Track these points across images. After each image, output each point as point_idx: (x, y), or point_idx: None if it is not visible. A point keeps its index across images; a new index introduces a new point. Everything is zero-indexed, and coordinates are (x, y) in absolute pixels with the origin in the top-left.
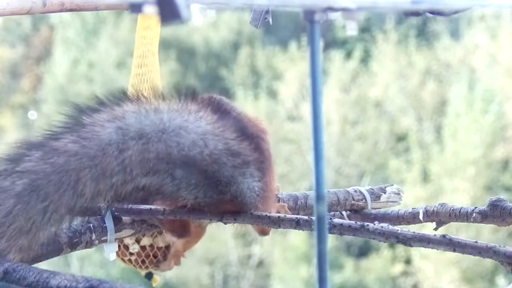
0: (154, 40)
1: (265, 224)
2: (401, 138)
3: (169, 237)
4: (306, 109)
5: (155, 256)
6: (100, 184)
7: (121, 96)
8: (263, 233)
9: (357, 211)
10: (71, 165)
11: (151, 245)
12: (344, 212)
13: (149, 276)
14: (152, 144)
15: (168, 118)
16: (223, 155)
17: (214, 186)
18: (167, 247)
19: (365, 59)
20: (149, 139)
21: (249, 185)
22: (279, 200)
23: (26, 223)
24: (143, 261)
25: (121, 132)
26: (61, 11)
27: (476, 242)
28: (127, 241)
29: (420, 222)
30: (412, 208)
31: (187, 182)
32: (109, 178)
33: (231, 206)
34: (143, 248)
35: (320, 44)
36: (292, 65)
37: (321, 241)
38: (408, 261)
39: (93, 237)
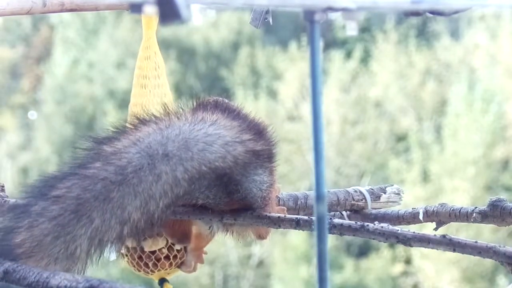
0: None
1: (265, 224)
2: (401, 138)
3: (160, 242)
4: (306, 109)
5: (158, 260)
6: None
7: (135, 122)
8: (260, 237)
9: (357, 211)
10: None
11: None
12: (344, 212)
13: (161, 282)
14: (177, 165)
15: (188, 134)
16: (242, 157)
17: (226, 186)
18: (170, 249)
19: (365, 59)
20: (173, 156)
21: (259, 185)
22: (279, 201)
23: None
24: (146, 265)
25: (146, 155)
26: (61, 11)
27: (476, 242)
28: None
29: (420, 222)
30: (412, 208)
31: (202, 184)
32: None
33: (238, 206)
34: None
35: (320, 44)
36: (292, 65)
37: (321, 241)
38: (408, 261)
39: None
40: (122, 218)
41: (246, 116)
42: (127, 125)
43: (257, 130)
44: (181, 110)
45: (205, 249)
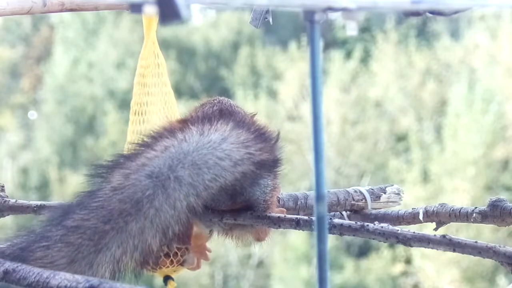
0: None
1: (265, 224)
2: (401, 138)
3: None
4: (306, 109)
5: (158, 257)
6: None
7: (144, 142)
8: (259, 239)
9: (357, 211)
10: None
11: None
12: (344, 212)
13: (165, 280)
14: (190, 191)
15: (197, 156)
16: (251, 170)
17: (230, 191)
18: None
19: (365, 59)
20: (185, 183)
21: (263, 188)
22: (279, 201)
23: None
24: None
25: (160, 185)
26: (61, 11)
27: (476, 242)
28: None
29: (420, 222)
30: (412, 208)
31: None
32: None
33: (240, 206)
34: None
35: (320, 44)
36: (292, 65)
37: (321, 241)
38: (408, 261)
39: None
40: (142, 249)
41: (251, 121)
42: (135, 146)
43: (264, 138)
44: (187, 124)
45: (208, 246)
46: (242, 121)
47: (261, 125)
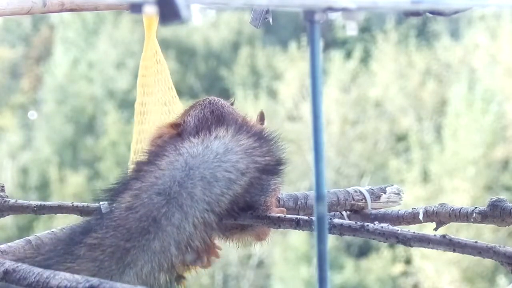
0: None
1: (265, 224)
2: (401, 138)
3: None
4: (306, 109)
5: None
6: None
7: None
8: (258, 239)
9: (357, 211)
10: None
11: None
12: (344, 212)
13: (177, 279)
14: (203, 206)
15: (204, 170)
16: (256, 177)
17: (242, 202)
18: None
19: (365, 59)
20: (197, 199)
21: (264, 191)
22: (279, 201)
23: None
24: None
25: (175, 204)
26: (61, 11)
27: (476, 242)
28: None
29: (420, 222)
30: (412, 208)
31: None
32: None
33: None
34: None
35: (320, 44)
36: (292, 65)
37: (321, 241)
38: (408, 261)
39: None
40: (166, 266)
41: (248, 124)
42: (138, 166)
43: (264, 140)
44: (186, 133)
45: (218, 244)
46: (240, 126)
47: (258, 127)
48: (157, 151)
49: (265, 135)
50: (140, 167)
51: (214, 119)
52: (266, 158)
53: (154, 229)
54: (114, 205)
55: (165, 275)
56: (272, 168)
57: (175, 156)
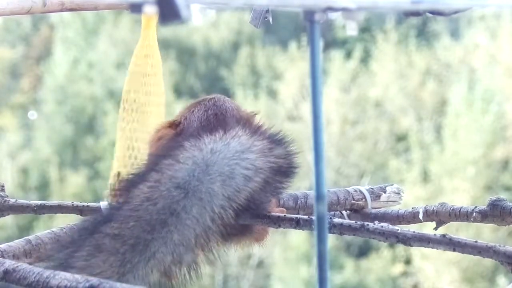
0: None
1: (265, 224)
2: (401, 138)
3: None
4: (306, 109)
5: None
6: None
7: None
8: (257, 240)
9: (357, 211)
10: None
11: None
12: (344, 212)
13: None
14: (223, 203)
15: (223, 168)
16: (270, 176)
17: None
18: None
19: (365, 59)
20: (217, 197)
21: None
22: (279, 201)
23: None
24: None
25: (197, 200)
26: (61, 11)
27: (476, 241)
28: None
29: (420, 221)
30: (412, 208)
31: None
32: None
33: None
34: None
35: (320, 44)
36: (292, 65)
37: (321, 241)
38: (408, 261)
39: None
40: (187, 261)
41: (262, 127)
42: (154, 158)
43: (279, 144)
44: (203, 131)
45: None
46: (257, 127)
47: (274, 130)
48: (172, 146)
49: (280, 138)
50: (156, 160)
51: (217, 121)
52: (281, 160)
53: (175, 221)
54: (130, 195)
55: (184, 267)
56: (286, 170)
57: (194, 151)
